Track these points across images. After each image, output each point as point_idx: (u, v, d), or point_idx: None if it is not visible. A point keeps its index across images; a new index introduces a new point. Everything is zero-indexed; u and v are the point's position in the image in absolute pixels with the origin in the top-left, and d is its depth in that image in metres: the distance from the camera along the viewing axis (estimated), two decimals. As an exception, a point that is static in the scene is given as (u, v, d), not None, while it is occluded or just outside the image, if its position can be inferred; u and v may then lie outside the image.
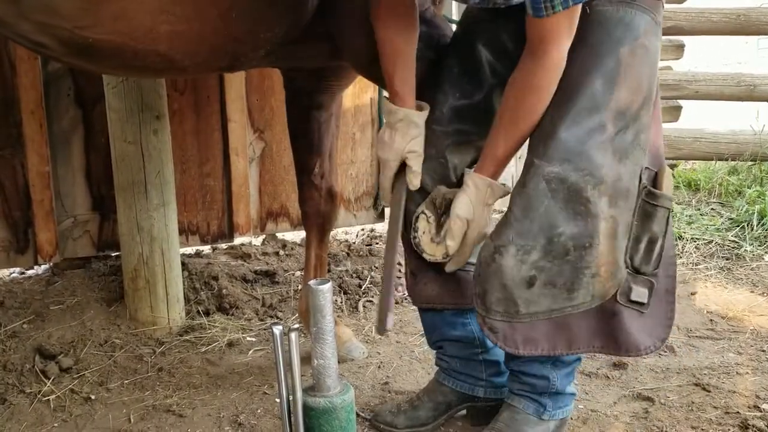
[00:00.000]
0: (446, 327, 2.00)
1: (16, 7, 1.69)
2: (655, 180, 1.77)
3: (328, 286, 1.56)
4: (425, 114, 1.84)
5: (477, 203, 1.77)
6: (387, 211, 2.29)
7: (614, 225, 1.69)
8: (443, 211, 1.82)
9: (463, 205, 1.77)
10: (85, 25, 1.72)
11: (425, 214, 1.84)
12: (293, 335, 1.54)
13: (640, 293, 1.74)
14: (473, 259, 1.90)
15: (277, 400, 2.24)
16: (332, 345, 1.58)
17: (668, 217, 1.77)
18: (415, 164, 1.83)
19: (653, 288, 1.76)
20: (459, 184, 1.85)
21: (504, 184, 1.81)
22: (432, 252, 1.84)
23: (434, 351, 2.11)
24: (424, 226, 1.84)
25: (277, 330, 1.56)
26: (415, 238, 1.85)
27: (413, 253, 1.90)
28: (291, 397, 1.60)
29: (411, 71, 1.85)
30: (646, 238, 1.75)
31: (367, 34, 1.84)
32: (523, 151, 1.82)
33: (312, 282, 1.56)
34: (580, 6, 1.61)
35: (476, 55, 1.88)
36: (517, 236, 1.68)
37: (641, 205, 1.74)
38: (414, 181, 1.84)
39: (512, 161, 1.95)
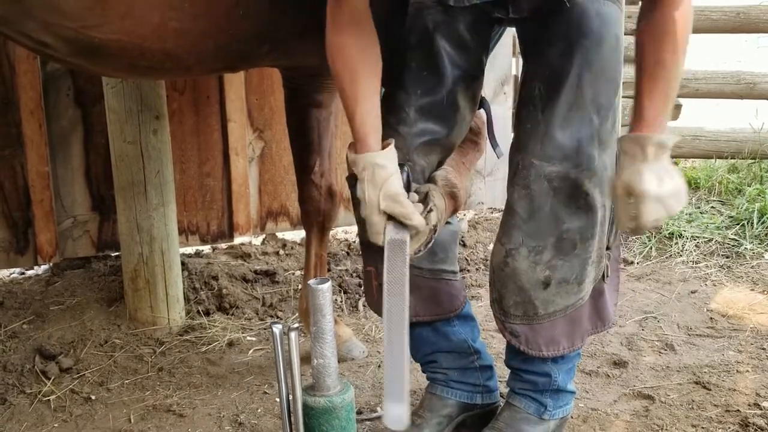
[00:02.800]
0: (438, 339, 1.95)
1: (20, 5, 1.68)
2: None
3: (327, 286, 1.55)
4: (390, 150, 1.63)
5: (667, 170, 1.58)
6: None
7: (604, 212, 1.75)
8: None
9: (647, 179, 1.56)
10: (92, 24, 1.70)
11: None
12: (293, 334, 1.53)
13: (607, 267, 1.83)
14: (447, 266, 1.91)
15: (277, 399, 2.24)
16: (332, 344, 1.58)
17: None
18: (398, 207, 1.59)
19: (610, 258, 1.85)
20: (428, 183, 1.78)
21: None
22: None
23: (422, 365, 2.02)
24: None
25: (277, 329, 1.55)
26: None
27: (383, 263, 1.80)
28: (291, 397, 1.60)
29: (374, 97, 1.66)
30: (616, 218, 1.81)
31: None
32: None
33: (311, 281, 1.56)
34: None
35: (434, 47, 1.77)
36: (527, 238, 1.69)
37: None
38: (412, 220, 1.59)
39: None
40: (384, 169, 1.61)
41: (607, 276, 1.84)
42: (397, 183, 1.61)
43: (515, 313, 1.74)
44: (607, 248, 1.82)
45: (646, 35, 1.61)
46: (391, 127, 1.76)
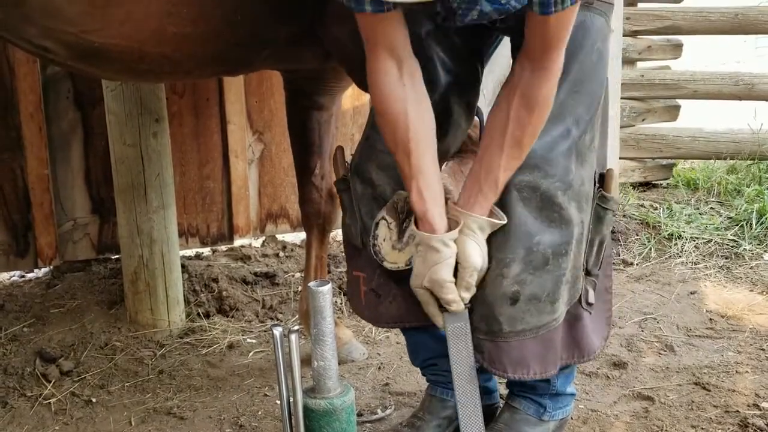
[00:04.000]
0: (438, 343, 1.90)
1: (20, 10, 1.69)
2: (602, 183, 1.78)
3: (327, 288, 1.55)
4: (450, 235, 1.59)
5: (483, 244, 1.63)
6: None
7: (581, 229, 1.70)
8: (405, 216, 1.70)
9: (476, 254, 1.60)
10: (91, 29, 1.72)
11: (386, 219, 1.70)
12: (293, 337, 1.53)
13: (591, 294, 1.77)
14: None
15: (278, 401, 2.24)
16: (332, 346, 1.58)
17: (612, 219, 1.80)
18: (441, 291, 1.59)
19: (596, 287, 1.78)
20: None
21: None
22: (394, 260, 1.69)
23: (422, 369, 2.02)
24: (385, 233, 1.69)
25: (277, 331, 1.55)
26: (374, 246, 1.70)
27: (377, 269, 1.76)
28: (291, 399, 1.60)
29: (433, 166, 1.60)
30: (597, 240, 1.76)
31: (354, 40, 1.82)
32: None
33: (312, 283, 1.56)
34: (578, 4, 1.51)
35: (427, 53, 1.72)
36: (495, 249, 1.63)
37: (594, 209, 1.74)
38: (450, 306, 1.61)
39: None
40: (437, 253, 1.58)
41: (588, 302, 1.76)
42: (446, 270, 1.58)
43: (479, 327, 1.67)
44: (588, 273, 1.76)
45: (514, 105, 1.58)
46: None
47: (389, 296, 1.80)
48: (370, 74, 1.61)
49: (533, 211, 1.63)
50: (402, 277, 1.73)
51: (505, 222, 1.63)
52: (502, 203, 1.63)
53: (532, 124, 1.58)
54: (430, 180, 1.60)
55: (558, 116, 1.65)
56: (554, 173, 1.64)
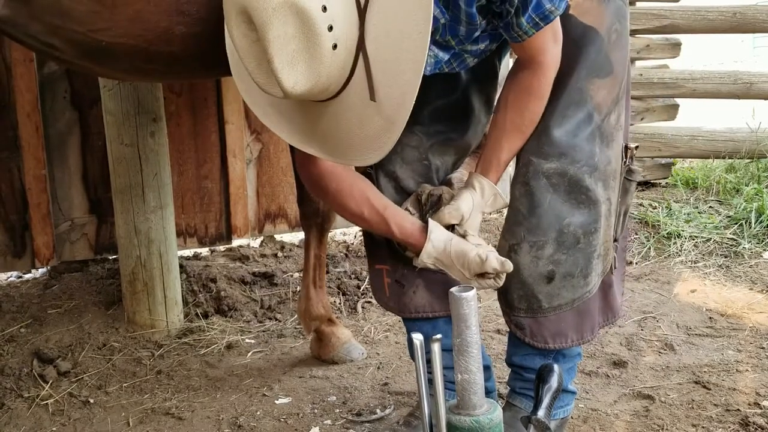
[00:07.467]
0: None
1: (27, 8, 1.68)
2: (627, 155, 1.85)
3: (472, 294, 1.38)
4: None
5: (476, 208, 1.74)
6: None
7: (609, 206, 1.77)
8: (429, 208, 1.77)
9: (467, 202, 1.72)
10: (99, 27, 1.70)
11: (409, 211, 1.77)
12: (436, 347, 1.37)
13: (615, 259, 1.86)
14: None
15: (277, 401, 2.24)
16: (478, 358, 1.41)
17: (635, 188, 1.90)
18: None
19: (617, 250, 1.87)
20: (442, 185, 1.83)
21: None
22: None
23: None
24: None
25: (418, 340, 1.39)
26: None
27: (400, 260, 1.84)
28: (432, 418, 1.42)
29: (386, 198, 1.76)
30: (623, 210, 1.85)
31: None
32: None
33: (454, 289, 1.40)
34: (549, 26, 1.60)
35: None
36: (528, 233, 1.72)
37: (622, 182, 1.82)
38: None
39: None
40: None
41: (615, 267, 1.85)
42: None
43: (519, 306, 1.77)
44: (615, 240, 1.84)
45: (512, 94, 1.70)
46: (406, 127, 1.78)
47: (413, 286, 1.87)
48: (301, 163, 1.73)
49: (562, 195, 1.71)
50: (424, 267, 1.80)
51: (506, 206, 1.76)
52: (532, 190, 1.71)
53: (529, 113, 1.69)
54: (402, 212, 1.74)
55: (579, 102, 1.71)
56: (580, 158, 1.70)
